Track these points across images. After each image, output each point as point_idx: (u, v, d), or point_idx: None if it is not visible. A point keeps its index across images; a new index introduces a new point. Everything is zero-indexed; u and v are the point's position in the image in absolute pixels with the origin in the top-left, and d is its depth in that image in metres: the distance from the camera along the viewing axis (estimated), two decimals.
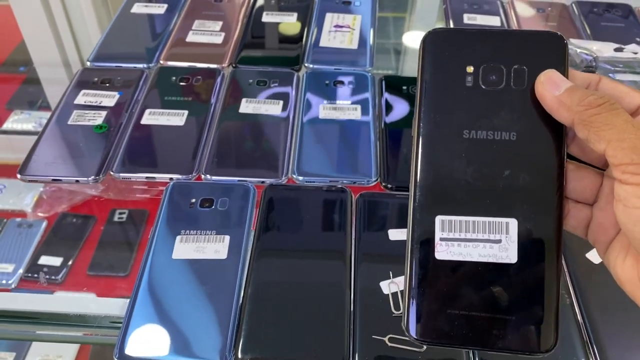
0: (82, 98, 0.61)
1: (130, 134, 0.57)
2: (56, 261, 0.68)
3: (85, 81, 0.63)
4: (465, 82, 0.29)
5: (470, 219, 0.28)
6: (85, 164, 0.54)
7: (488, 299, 0.27)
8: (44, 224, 0.72)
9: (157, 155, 0.55)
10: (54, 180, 0.52)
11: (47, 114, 0.60)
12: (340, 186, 0.52)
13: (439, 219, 0.28)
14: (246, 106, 0.60)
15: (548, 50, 0.29)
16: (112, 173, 0.53)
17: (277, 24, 0.73)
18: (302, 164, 0.54)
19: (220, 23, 0.72)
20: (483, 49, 0.29)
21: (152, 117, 0.58)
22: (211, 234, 0.47)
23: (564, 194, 0.28)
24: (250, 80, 0.64)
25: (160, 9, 0.75)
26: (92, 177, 0.53)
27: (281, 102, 0.61)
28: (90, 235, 0.73)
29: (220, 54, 0.67)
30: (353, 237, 0.48)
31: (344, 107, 0.60)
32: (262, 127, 0.58)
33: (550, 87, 0.27)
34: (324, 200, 0.51)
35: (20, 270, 0.64)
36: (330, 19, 0.74)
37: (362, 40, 0.70)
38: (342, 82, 0.64)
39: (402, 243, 0.48)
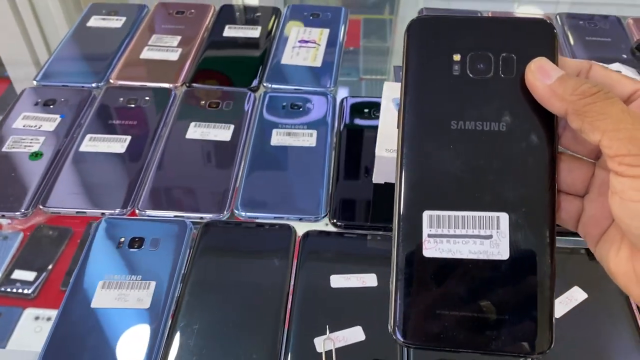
0: (21, 122, 0.57)
1: (66, 163, 0.53)
2: (30, 276, 0.65)
3: (28, 102, 0.60)
4: (452, 71, 0.28)
5: (460, 213, 0.27)
6: (14, 197, 0.50)
7: (479, 298, 0.26)
8: (20, 236, 0.68)
9: (91, 187, 0.51)
10: None
11: None
12: (284, 223, 0.48)
13: (426, 214, 0.27)
14: (194, 131, 0.56)
15: (537, 37, 0.28)
16: (41, 207, 0.50)
17: (239, 38, 0.69)
18: (247, 198, 0.50)
19: (179, 38, 0.68)
20: (470, 36, 0.28)
21: (92, 144, 0.55)
22: (136, 280, 0.44)
23: (555, 185, 0.27)
24: (203, 102, 0.60)
25: (118, 23, 0.71)
26: (20, 211, 0.49)
27: (232, 127, 0.57)
28: (66, 249, 0.70)
29: (173, 72, 0.64)
30: (291, 284, 0.44)
31: (299, 133, 0.56)
32: (208, 155, 0.55)
33: (541, 76, 0.26)
34: (265, 240, 0.47)
35: None
36: (296, 33, 0.69)
37: (328, 57, 0.66)
38: (299, 105, 0.60)
39: (345, 290, 0.46)
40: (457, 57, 0.28)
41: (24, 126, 0.57)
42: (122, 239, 0.46)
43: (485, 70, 0.28)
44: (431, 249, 0.26)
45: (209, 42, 0.68)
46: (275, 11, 0.73)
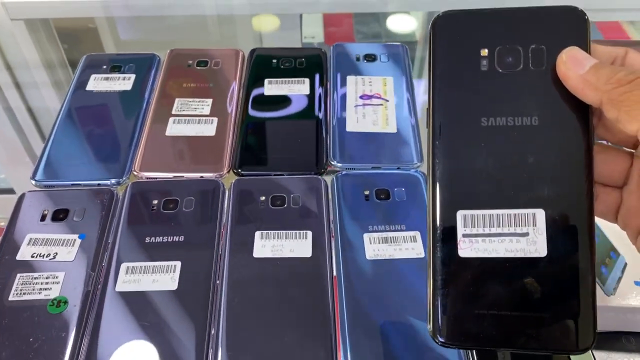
0: (27, 249, 0.43)
1: (103, 313, 0.39)
2: None
3: (30, 216, 0.45)
4: (480, 66, 0.27)
5: (494, 212, 0.26)
6: None
7: (518, 297, 0.26)
8: None
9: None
10: None
11: None
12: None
13: (460, 214, 0.26)
14: (262, 245, 0.43)
15: (568, 26, 0.27)
16: None
17: (284, 98, 0.55)
18: None
19: (210, 102, 0.54)
20: (497, 29, 0.27)
21: (132, 278, 0.41)
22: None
23: (593, 178, 0.26)
24: (262, 197, 0.47)
25: (126, 83, 0.56)
26: None
27: (309, 234, 0.44)
28: None
29: (215, 155, 0.50)
30: None
31: (399, 237, 0.44)
32: (277, 279, 0.42)
33: (574, 66, 0.25)
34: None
35: None
36: (354, 85, 0.56)
37: (402, 118, 0.53)
38: (384, 192, 0.47)
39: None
40: (484, 52, 0.27)
41: (32, 256, 0.42)
42: None
43: (515, 63, 0.27)
44: (466, 249, 0.26)
45: (250, 105, 0.54)
46: (320, 54, 0.60)
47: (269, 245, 0.43)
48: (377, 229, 0.44)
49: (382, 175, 0.48)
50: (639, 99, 0.23)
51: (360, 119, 0.53)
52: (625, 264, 0.35)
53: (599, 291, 0.34)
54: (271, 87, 0.55)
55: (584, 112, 0.26)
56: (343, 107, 0.54)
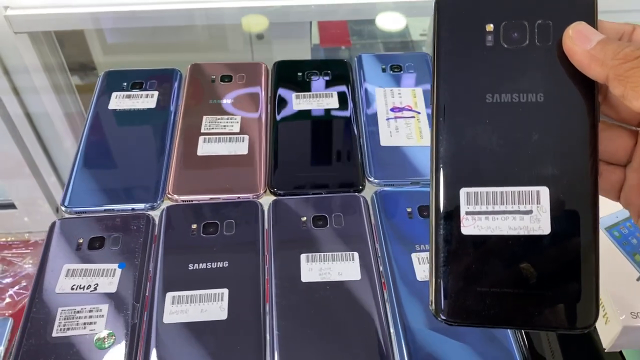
0: (66, 281, 0.41)
1: (148, 347, 0.38)
2: None
3: (64, 245, 0.44)
4: (486, 42, 0.27)
5: (498, 189, 0.26)
6: None
7: (521, 274, 0.25)
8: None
9: None
10: None
11: None
12: None
13: (463, 191, 0.26)
14: (309, 268, 0.42)
15: (574, 1, 0.26)
16: None
17: (314, 113, 0.54)
18: None
19: (239, 118, 0.53)
20: (503, 4, 0.27)
21: (180, 309, 0.40)
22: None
23: (597, 156, 0.26)
24: (304, 218, 0.45)
25: (149, 100, 0.54)
26: None
27: (355, 256, 0.43)
28: None
29: (251, 175, 0.48)
30: None
31: None
32: (327, 303, 0.41)
33: (580, 41, 0.25)
34: None
35: None
36: (383, 97, 0.55)
37: None
38: (427, 209, 0.46)
39: None
40: (489, 28, 0.27)
41: (72, 288, 0.41)
42: None
43: (520, 39, 0.27)
44: (469, 227, 0.26)
45: (279, 121, 0.53)
46: (345, 66, 0.59)
47: (316, 268, 0.42)
48: (425, 248, 0.44)
49: (422, 191, 0.48)
50: None
51: (394, 133, 0.52)
52: None
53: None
54: (299, 102, 0.54)
55: (589, 89, 0.26)
56: (374, 120, 0.53)
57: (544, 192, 0.26)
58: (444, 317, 0.26)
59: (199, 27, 0.78)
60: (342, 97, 0.55)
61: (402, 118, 0.53)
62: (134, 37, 0.81)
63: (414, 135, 0.52)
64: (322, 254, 0.43)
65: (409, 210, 0.46)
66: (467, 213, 0.26)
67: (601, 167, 0.27)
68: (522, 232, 0.25)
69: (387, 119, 0.53)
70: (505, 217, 0.26)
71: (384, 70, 0.58)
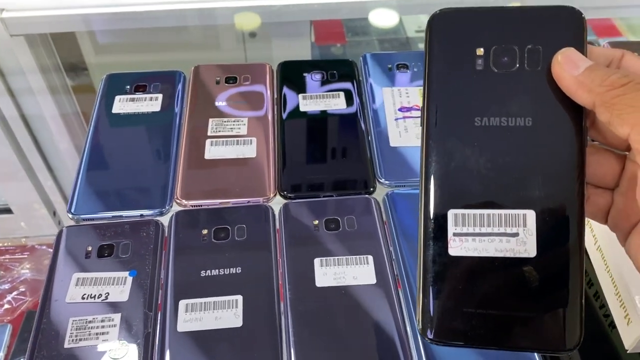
0: (76, 290, 0.40)
1: (163, 357, 0.37)
2: None
3: (73, 251, 0.43)
4: (476, 65, 0.27)
5: (485, 211, 0.26)
6: None
7: (507, 296, 0.26)
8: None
9: None
10: None
11: None
12: None
13: (451, 213, 0.26)
14: (323, 272, 0.42)
15: (564, 26, 0.27)
16: None
17: (321, 115, 0.53)
18: None
19: (246, 120, 0.52)
20: (493, 28, 0.27)
21: (194, 317, 0.39)
22: None
23: (585, 180, 0.26)
24: (315, 221, 0.45)
25: (154, 103, 0.53)
26: None
27: (370, 259, 0.42)
28: None
29: (260, 179, 0.48)
30: None
31: None
32: (341, 312, 0.40)
33: (569, 67, 0.25)
34: None
35: None
36: (390, 97, 0.55)
37: None
38: None
39: None
40: (480, 51, 0.27)
41: (83, 297, 0.40)
42: None
43: (510, 63, 0.27)
44: (457, 248, 0.26)
45: (287, 123, 0.52)
46: (351, 65, 0.58)
47: (330, 273, 0.41)
48: None
49: None
50: (631, 102, 0.23)
51: (403, 133, 0.51)
52: None
53: None
54: (306, 103, 0.54)
55: (577, 114, 0.26)
56: (382, 121, 0.52)
57: (531, 215, 0.26)
58: (430, 337, 0.26)
59: (192, 27, 0.78)
60: (349, 97, 0.54)
61: (411, 118, 0.53)
62: (127, 38, 0.80)
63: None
64: (336, 258, 0.42)
65: None
66: (455, 234, 0.26)
67: (589, 191, 0.27)
68: (508, 255, 0.26)
69: (396, 119, 0.53)
70: (492, 239, 0.26)
71: (390, 69, 0.57)
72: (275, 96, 0.55)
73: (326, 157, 0.50)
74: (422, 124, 0.28)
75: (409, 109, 0.53)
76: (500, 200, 0.26)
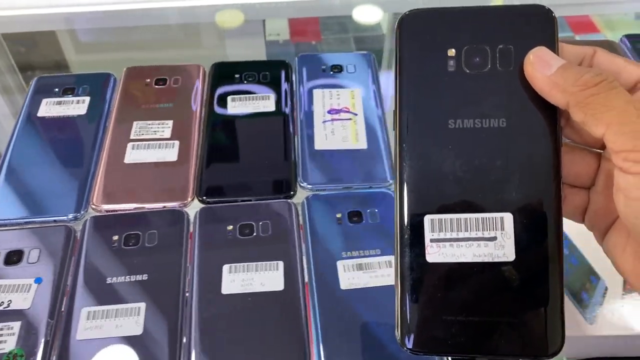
0: None
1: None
2: None
3: None
4: (447, 67, 0.27)
5: (462, 216, 0.26)
6: None
7: (487, 302, 0.25)
8: None
9: None
10: None
11: None
12: None
13: (427, 218, 0.26)
14: (231, 279, 0.41)
15: (536, 26, 0.26)
16: None
17: (249, 116, 0.52)
18: None
19: (171, 123, 0.51)
20: (464, 29, 0.27)
21: (93, 324, 0.39)
22: None
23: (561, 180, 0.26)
24: (230, 226, 0.44)
25: (80, 106, 0.53)
26: None
27: (280, 265, 0.42)
28: None
29: (179, 183, 0.47)
30: None
31: (374, 263, 0.42)
32: (249, 319, 0.40)
33: (541, 67, 0.25)
34: None
35: None
36: (321, 98, 0.54)
37: (372, 132, 0.51)
38: (358, 215, 0.45)
39: None
40: (451, 52, 0.27)
41: None
42: None
43: (482, 64, 0.26)
44: (434, 254, 0.26)
45: (212, 126, 0.51)
46: (285, 67, 0.57)
47: (238, 279, 0.41)
48: (352, 255, 0.43)
49: (354, 195, 0.47)
50: (605, 101, 0.23)
51: (329, 136, 0.51)
52: (606, 289, 0.34)
53: (580, 317, 0.33)
54: (235, 105, 0.53)
55: (551, 114, 0.26)
56: (310, 123, 0.52)
57: (508, 218, 0.25)
58: (410, 347, 0.25)
59: (173, 26, 0.77)
60: (279, 99, 0.54)
61: (339, 120, 0.52)
62: (106, 37, 0.79)
63: (349, 137, 0.51)
64: (246, 264, 0.42)
65: (338, 216, 0.45)
66: (432, 240, 0.26)
67: (565, 190, 0.27)
68: (486, 259, 0.25)
69: (324, 122, 0.52)
70: (470, 244, 0.26)
71: (324, 70, 0.57)
72: (205, 98, 0.54)
73: (248, 160, 0.49)
74: (394, 128, 0.27)
75: (338, 111, 0.53)
76: (476, 203, 0.26)
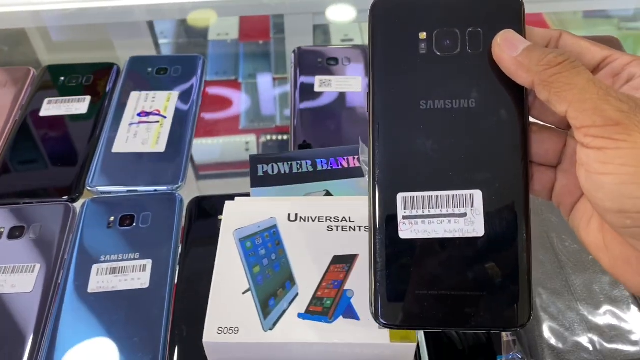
0: None
1: None
2: None
3: None
4: (419, 49, 0.28)
5: (433, 193, 0.27)
6: None
7: (458, 277, 0.26)
8: None
9: None
10: None
11: None
12: None
13: (400, 196, 0.27)
14: None
15: (503, 9, 0.27)
16: None
17: (59, 118, 0.53)
18: None
19: None
20: (435, 13, 0.28)
21: None
22: None
23: (529, 159, 0.27)
24: (2, 229, 0.45)
25: None
26: None
27: (37, 267, 0.42)
28: None
29: None
30: None
31: (129, 267, 0.42)
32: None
33: (508, 48, 0.26)
34: None
35: None
36: (136, 101, 0.54)
37: (175, 136, 0.51)
38: (130, 218, 0.45)
39: None
40: (423, 35, 0.27)
41: None
42: None
43: (452, 46, 0.27)
44: (407, 231, 0.26)
45: (21, 128, 0.52)
46: (112, 69, 0.58)
47: None
48: (110, 259, 0.43)
49: (135, 198, 0.47)
50: (567, 80, 0.24)
51: (131, 139, 0.51)
52: (297, 295, 0.33)
53: (258, 326, 0.32)
54: (49, 108, 0.54)
55: (519, 94, 0.27)
56: (117, 126, 0.52)
57: (478, 195, 0.26)
58: (384, 322, 0.26)
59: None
60: (95, 102, 0.54)
61: (146, 123, 0.52)
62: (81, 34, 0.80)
63: (150, 141, 0.51)
64: (2, 266, 0.42)
65: (111, 219, 0.45)
66: (404, 217, 0.27)
67: (533, 169, 0.28)
68: (457, 235, 0.26)
69: (130, 124, 0.52)
70: (441, 221, 0.26)
71: (149, 73, 0.57)
72: (24, 102, 0.55)
73: (40, 163, 0.50)
74: (368, 109, 0.28)
75: (148, 114, 0.53)
76: (447, 181, 0.27)
